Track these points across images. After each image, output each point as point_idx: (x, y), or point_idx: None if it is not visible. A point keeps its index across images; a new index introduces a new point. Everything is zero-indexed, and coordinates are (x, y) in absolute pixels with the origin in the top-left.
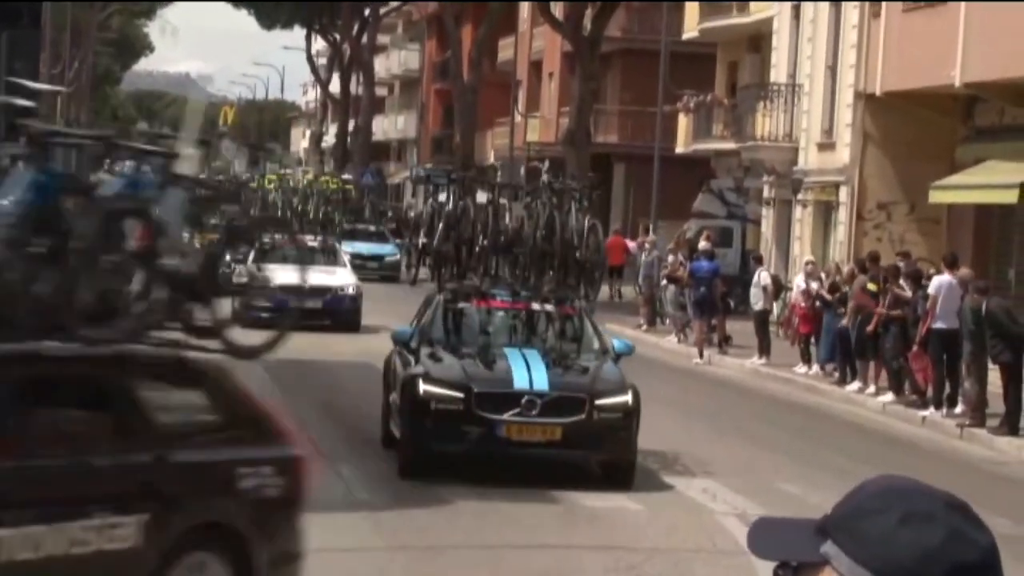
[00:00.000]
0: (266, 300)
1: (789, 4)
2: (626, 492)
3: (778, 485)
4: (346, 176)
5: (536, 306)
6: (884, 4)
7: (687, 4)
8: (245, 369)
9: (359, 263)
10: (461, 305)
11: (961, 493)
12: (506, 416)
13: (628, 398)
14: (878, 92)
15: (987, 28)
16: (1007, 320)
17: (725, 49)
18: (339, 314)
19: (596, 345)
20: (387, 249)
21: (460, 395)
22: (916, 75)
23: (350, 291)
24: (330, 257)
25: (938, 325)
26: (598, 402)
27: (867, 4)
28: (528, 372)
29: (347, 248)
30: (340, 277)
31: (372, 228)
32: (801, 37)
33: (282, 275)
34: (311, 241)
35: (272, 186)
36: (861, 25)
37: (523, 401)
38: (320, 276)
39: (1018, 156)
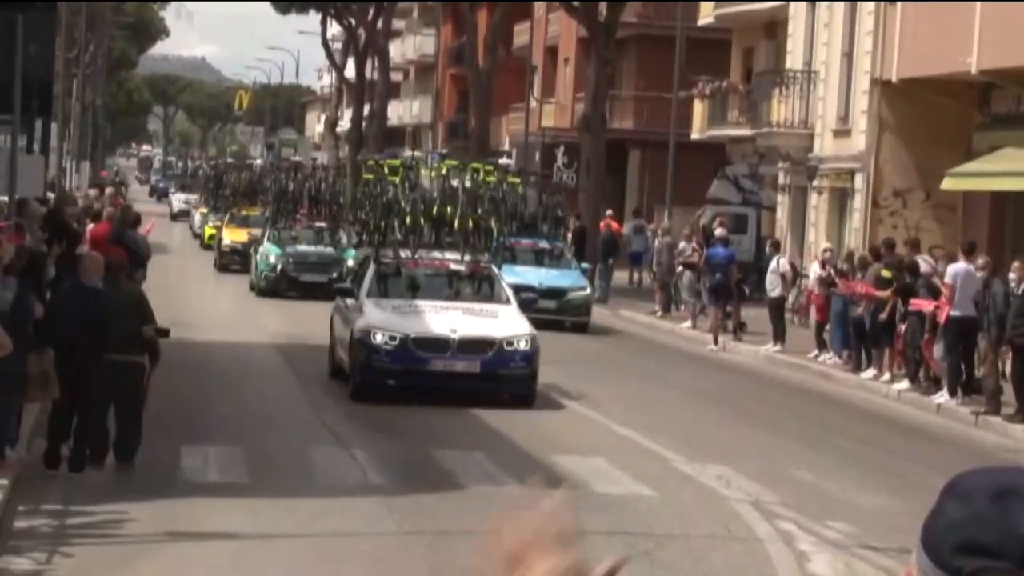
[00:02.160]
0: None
1: None
2: (641, 479)
3: (792, 472)
4: (505, 162)
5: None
6: None
7: None
8: (264, 356)
9: (529, 300)
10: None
11: None
12: None
13: None
14: (894, 79)
15: (1003, 15)
16: None
17: (740, 35)
18: (505, 381)
19: None
20: (570, 279)
21: None
22: (932, 62)
23: (522, 345)
24: (486, 290)
25: (955, 313)
26: None
27: None
28: None
29: (509, 277)
30: (506, 323)
31: (546, 244)
32: (817, 23)
33: (415, 321)
34: (455, 264)
35: (397, 178)
36: (877, 11)
37: None
38: (474, 322)
39: None
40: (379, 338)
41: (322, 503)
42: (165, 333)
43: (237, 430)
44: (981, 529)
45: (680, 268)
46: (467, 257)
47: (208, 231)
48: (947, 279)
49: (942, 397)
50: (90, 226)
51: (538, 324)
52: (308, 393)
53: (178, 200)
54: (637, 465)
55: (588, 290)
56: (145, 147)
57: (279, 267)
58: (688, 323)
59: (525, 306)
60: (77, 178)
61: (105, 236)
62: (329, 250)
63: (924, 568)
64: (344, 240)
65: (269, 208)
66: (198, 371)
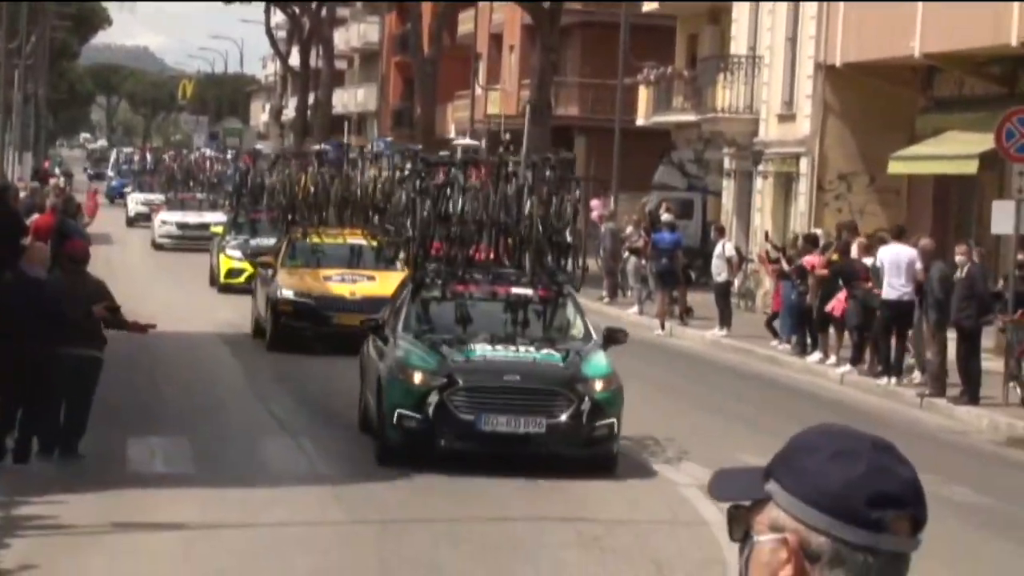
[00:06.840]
0: None
1: None
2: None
3: (739, 456)
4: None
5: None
6: None
7: None
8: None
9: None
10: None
11: (921, 462)
12: None
13: None
14: (838, 63)
15: None
16: (983, 284)
17: (685, 21)
18: None
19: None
20: None
21: None
22: (875, 46)
23: None
24: None
25: (888, 295)
26: None
27: None
28: None
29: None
30: None
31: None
32: (761, 9)
33: None
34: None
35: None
36: None
37: None
38: None
39: (977, 127)
40: None
41: (270, 493)
42: (116, 310)
43: (183, 421)
44: (886, 480)
45: (626, 254)
46: None
47: (226, 264)
48: (877, 262)
49: (885, 379)
50: (34, 216)
51: None
52: (254, 383)
53: (135, 201)
54: None
55: None
56: (86, 135)
57: (432, 402)
58: (635, 308)
59: None
60: (19, 169)
61: (49, 227)
62: (541, 356)
63: (824, 526)
64: (581, 329)
65: (406, 246)
66: (145, 363)
